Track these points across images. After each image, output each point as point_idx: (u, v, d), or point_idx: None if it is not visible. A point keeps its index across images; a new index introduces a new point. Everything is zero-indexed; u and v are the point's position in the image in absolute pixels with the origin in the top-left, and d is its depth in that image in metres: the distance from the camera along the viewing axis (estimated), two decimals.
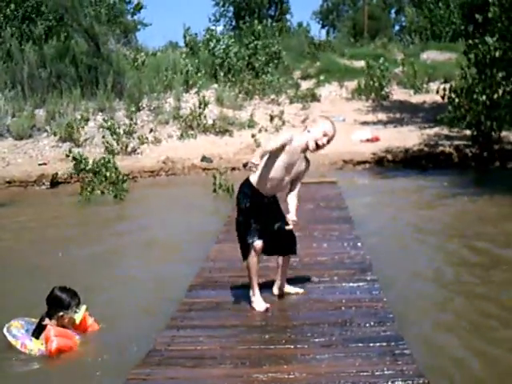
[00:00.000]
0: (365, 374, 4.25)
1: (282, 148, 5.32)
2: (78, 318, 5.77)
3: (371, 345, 4.74)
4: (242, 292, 6.12)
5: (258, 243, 5.54)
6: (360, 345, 4.75)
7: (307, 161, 5.61)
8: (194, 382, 4.27)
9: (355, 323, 5.20)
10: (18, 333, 5.66)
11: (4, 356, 5.51)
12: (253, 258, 5.62)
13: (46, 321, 5.71)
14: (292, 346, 4.81)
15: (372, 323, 5.17)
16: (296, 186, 5.66)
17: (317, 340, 4.90)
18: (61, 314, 5.70)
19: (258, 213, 5.58)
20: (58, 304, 5.73)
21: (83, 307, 5.84)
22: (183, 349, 4.83)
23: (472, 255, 8.13)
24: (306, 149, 5.48)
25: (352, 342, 4.81)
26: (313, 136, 5.44)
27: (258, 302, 5.63)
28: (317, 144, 5.42)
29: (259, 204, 5.58)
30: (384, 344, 4.72)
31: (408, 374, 4.20)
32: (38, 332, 5.64)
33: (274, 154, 5.35)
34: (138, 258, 8.54)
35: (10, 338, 5.63)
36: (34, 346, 5.56)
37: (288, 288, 6.01)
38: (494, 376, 4.98)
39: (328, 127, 5.48)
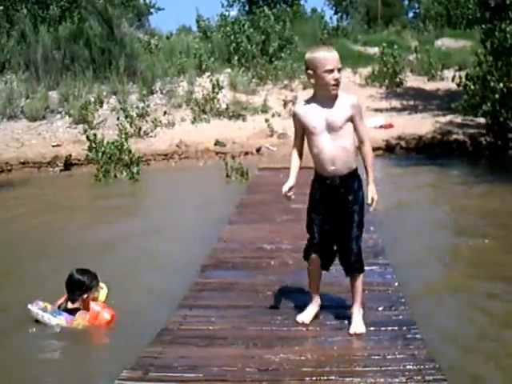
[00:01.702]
0: (376, 357, 4.26)
1: (301, 130, 4.69)
2: (103, 294, 5.80)
3: (383, 328, 4.74)
4: (253, 273, 6.16)
5: (314, 257, 4.94)
6: (372, 328, 4.75)
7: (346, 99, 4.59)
8: (205, 361, 4.27)
9: (367, 307, 5.17)
10: (56, 312, 5.67)
11: (27, 330, 5.56)
12: (309, 267, 5.04)
13: (70, 305, 5.74)
14: (304, 329, 4.81)
15: (384, 307, 5.18)
16: (363, 139, 4.66)
17: (328, 323, 4.91)
18: (85, 295, 5.73)
19: (321, 208, 4.83)
20: (80, 287, 5.74)
21: (105, 286, 5.89)
22: (195, 328, 4.85)
23: (483, 243, 8.09)
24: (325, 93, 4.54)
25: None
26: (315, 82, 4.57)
27: (302, 313, 4.97)
28: (330, 76, 4.47)
29: (324, 194, 4.76)
30: (396, 328, 4.73)
31: (419, 359, 4.20)
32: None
33: (306, 137, 4.70)
34: (151, 238, 8.56)
35: (49, 317, 5.61)
36: (57, 321, 5.59)
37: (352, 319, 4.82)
38: (507, 363, 4.97)
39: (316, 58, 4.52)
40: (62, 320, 5.60)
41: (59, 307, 5.72)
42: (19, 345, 5.38)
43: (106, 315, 5.56)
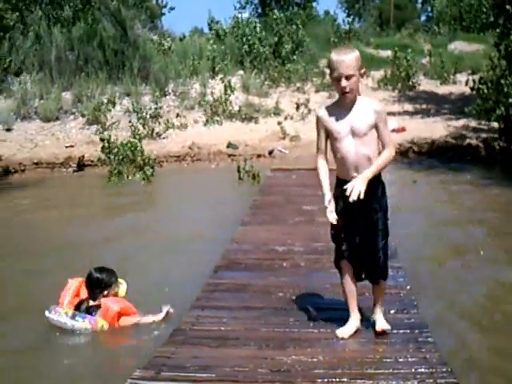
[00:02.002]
0: (388, 360, 4.27)
1: (325, 135, 4.57)
2: (122, 289, 5.82)
3: (395, 331, 4.74)
4: (266, 274, 6.17)
5: (344, 264, 4.76)
6: None
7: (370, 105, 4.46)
8: (218, 361, 4.29)
9: None
10: (78, 315, 5.70)
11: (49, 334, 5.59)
12: (342, 279, 4.83)
13: (91, 302, 5.77)
14: (316, 330, 4.83)
15: (396, 310, 5.18)
16: (386, 145, 4.46)
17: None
18: (105, 292, 5.76)
19: (344, 215, 4.54)
20: (99, 285, 5.78)
21: (123, 281, 5.91)
22: (207, 329, 4.87)
23: (496, 247, 8.09)
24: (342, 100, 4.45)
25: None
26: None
27: (342, 328, 4.76)
28: (338, 83, 4.35)
29: (347, 201, 4.37)
30: (408, 331, 4.73)
31: (431, 362, 4.20)
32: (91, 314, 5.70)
33: (330, 142, 4.58)
34: (164, 239, 8.59)
35: (72, 323, 5.62)
36: (81, 325, 5.61)
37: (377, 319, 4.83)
38: None
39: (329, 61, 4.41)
40: (86, 323, 5.62)
41: (78, 308, 5.74)
42: (33, 345, 5.43)
43: (115, 307, 5.58)
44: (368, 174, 4.36)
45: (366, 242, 4.60)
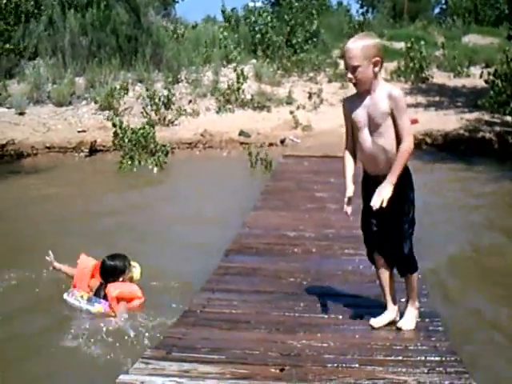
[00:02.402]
0: (398, 347, 4.27)
1: (350, 125, 4.46)
2: (136, 273, 5.83)
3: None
4: (277, 259, 6.19)
5: (376, 257, 4.67)
6: None
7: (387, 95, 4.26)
8: (228, 344, 4.31)
9: None
10: (94, 299, 5.74)
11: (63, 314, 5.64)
12: (377, 272, 4.75)
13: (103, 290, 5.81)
14: (326, 316, 4.84)
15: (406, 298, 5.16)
16: (402, 136, 4.23)
17: (351, 311, 4.92)
18: (120, 279, 5.78)
19: (370, 208, 4.35)
20: (113, 272, 5.79)
21: (137, 264, 5.92)
22: (218, 311, 4.89)
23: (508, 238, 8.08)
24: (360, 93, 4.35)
25: None
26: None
27: (376, 318, 4.68)
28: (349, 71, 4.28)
29: (370, 194, 4.30)
30: (418, 320, 4.71)
31: (441, 351, 4.20)
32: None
33: (352, 129, 4.46)
34: (176, 223, 8.61)
35: (87, 306, 5.69)
36: (96, 310, 5.66)
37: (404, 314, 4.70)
38: None
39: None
40: (100, 308, 5.66)
41: (96, 293, 5.78)
42: (47, 325, 5.47)
43: (113, 292, 5.59)
44: (393, 179, 4.20)
45: (392, 234, 4.48)
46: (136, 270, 5.88)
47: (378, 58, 4.28)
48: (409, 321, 4.60)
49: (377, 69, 4.28)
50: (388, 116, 4.23)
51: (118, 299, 5.58)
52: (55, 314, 5.67)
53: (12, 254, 7.54)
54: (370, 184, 4.40)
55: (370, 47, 4.28)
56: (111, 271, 5.79)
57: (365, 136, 4.34)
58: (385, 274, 4.64)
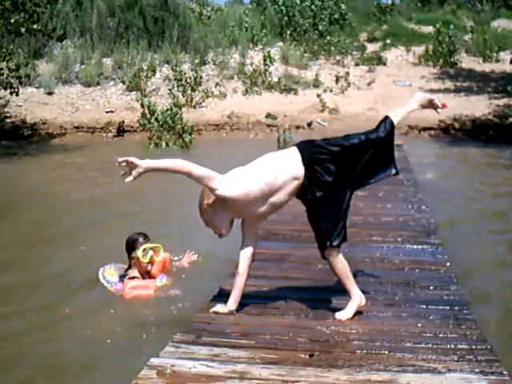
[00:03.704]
0: (427, 335, 4.24)
1: None
2: (145, 258, 5.85)
3: (434, 307, 4.72)
4: (305, 246, 6.16)
5: None
6: (423, 306, 4.74)
7: None
8: (257, 329, 4.32)
9: (418, 285, 5.18)
10: (112, 279, 5.84)
11: (97, 296, 5.72)
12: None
13: (129, 272, 5.87)
14: None
15: (435, 286, 5.15)
16: None
17: (380, 298, 4.92)
18: (132, 256, 5.84)
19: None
20: (128, 248, 5.87)
21: (151, 244, 5.93)
22: (247, 297, 4.86)
23: None
24: None
25: (415, 303, 4.81)
26: None
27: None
28: None
29: None
30: (447, 308, 4.70)
31: (471, 339, 4.16)
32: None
33: None
34: None
35: (105, 284, 5.81)
36: (109, 289, 5.78)
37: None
38: None
39: None
40: (112, 289, 5.79)
41: (126, 275, 5.85)
42: (79, 306, 5.55)
43: (127, 296, 5.69)
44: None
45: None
46: (146, 255, 5.84)
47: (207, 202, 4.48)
48: (344, 310, 4.53)
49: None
50: None
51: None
52: (88, 296, 5.74)
53: (40, 231, 7.65)
54: None
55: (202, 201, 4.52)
56: (126, 247, 5.89)
57: None
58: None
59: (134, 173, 4.30)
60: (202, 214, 4.55)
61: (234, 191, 4.37)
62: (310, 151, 4.45)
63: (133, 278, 5.81)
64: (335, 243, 4.47)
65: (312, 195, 4.48)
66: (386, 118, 4.65)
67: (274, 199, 4.43)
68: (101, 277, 5.84)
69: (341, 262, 4.56)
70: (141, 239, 5.87)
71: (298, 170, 4.40)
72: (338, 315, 4.49)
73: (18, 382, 4.48)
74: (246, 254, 4.56)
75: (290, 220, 7.10)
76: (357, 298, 4.54)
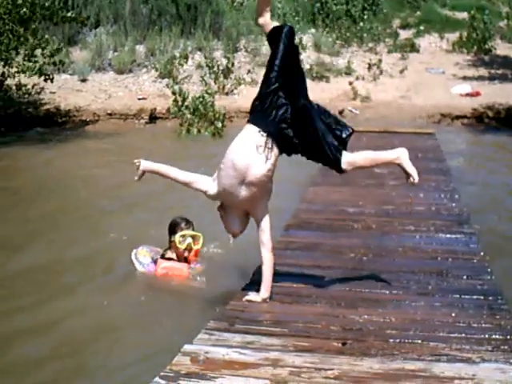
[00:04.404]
0: (461, 324, 4.24)
1: None
2: (182, 244, 5.90)
3: (467, 297, 4.72)
4: (337, 234, 6.20)
5: None
6: (456, 296, 4.74)
7: None
8: (290, 317, 4.36)
9: (451, 274, 5.18)
10: (145, 260, 5.91)
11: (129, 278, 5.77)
12: None
13: (168, 253, 5.93)
14: (387, 292, 4.84)
15: (469, 276, 5.14)
16: None
17: (412, 287, 4.92)
18: (171, 240, 5.90)
19: None
20: (169, 230, 5.95)
21: (191, 232, 5.98)
22: (279, 285, 4.91)
23: None
24: None
25: (448, 293, 4.81)
26: None
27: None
28: None
29: None
30: (481, 297, 4.70)
31: (506, 329, 4.15)
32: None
33: None
34: None
35: (137, 265, 5.89)
36: (140, 270, 5.83)
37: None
38: None
39: None
40: (144, 270, 5.85)
41: (163, 256, 5.92)
42: (108, 289, 5.63)
43: (157, 269, 5.77)
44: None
45: None
46: (183, 242, 5.89)
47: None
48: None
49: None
50: None
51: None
52: (118, 279, 5.82)
53: (71, 214, 7.78)
54: None
55: None
56: (168, 230, 5.94)
57: None
58: None
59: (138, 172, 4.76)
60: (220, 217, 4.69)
61: (214, 188, 4.52)
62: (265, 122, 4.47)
63: (168, 259, 5.88)
64: (342, 146, 4.72)
65: (290, 142, 4.56)
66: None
67: (250, 178, 4.41)
68: (133, 258, 5.91)
69: (361, 156, 4.82)
70: (182, 224, 5.92)
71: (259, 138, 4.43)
72: None
73: (48, 359, 4.55)
74: (262, 242, 4.60)
75: (322, 209, 7.14)
76: None
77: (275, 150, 4.48)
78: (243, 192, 4.44)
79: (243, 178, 4.39)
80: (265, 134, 4.42)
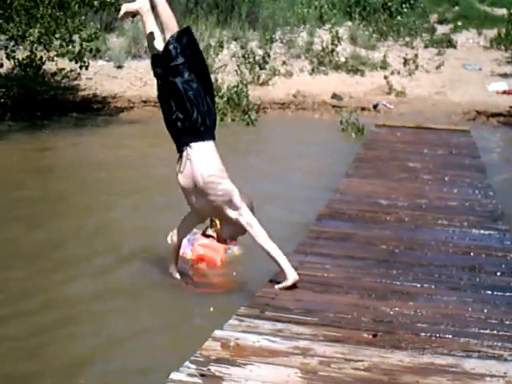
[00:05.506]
0: (493, 321, 4.20)
1: None
2: (218, 221, 5.91)
3: (500, 294, 4.68)
4: (369, 226, 6.18)
5: None
6: (489, 292, 4.71)
7: None
8: (320, 306, 4.36)
9: (484, 270, 5.14)
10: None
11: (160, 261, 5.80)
12: None
13: (208, 230, 5.96)
14: (419, 285, 4.81)
15: (502, 273, 5.10)
16: None
17: (444, 282, 4.90)
18: (213, 219, 5.92)
19: None
20: None
21: None
22: (311, 274, 4.93)
23: None
24: None
25: (480, 289, 4.78)
26: None
27: None
28: None
29: None
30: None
31: None
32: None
33: None
34: (269, 182, 8.67)
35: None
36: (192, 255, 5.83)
37: None
38: None
39: None
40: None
41: (204, 233, 5.96)
42: (139, 272, 5.67)
43: (195, 253, 5.80)
44: None
45: None
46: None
47: None
48: None
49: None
50: None
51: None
52: (151, 262, 5.85)
53: (103, 199, 7.93)
54: None
55: None
56: None
57: None
58: None
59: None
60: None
61: None
62: None
63: (208, 236, 5.91)
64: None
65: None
66: None
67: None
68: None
69: None
70: None
71: None
72: None
73: (75, 341, 4.59)
74: (255, 235, 4.85)
75: (355, 200, 7.12)
76: None
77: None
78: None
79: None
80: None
